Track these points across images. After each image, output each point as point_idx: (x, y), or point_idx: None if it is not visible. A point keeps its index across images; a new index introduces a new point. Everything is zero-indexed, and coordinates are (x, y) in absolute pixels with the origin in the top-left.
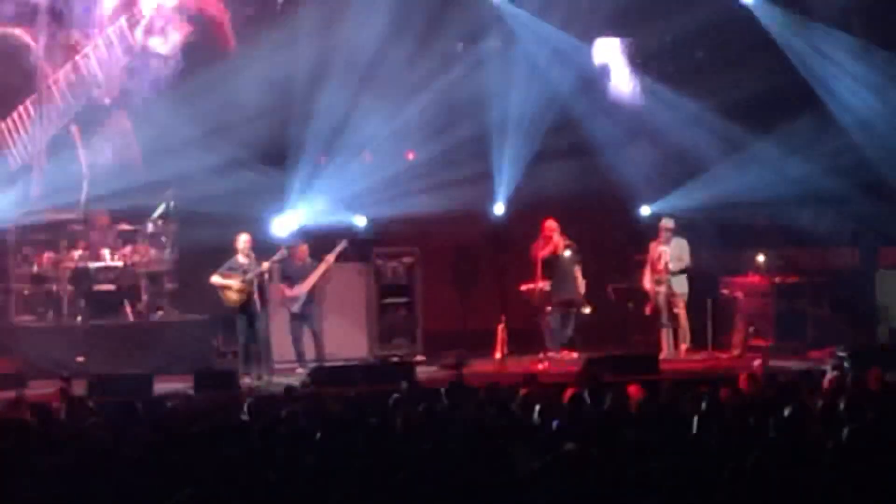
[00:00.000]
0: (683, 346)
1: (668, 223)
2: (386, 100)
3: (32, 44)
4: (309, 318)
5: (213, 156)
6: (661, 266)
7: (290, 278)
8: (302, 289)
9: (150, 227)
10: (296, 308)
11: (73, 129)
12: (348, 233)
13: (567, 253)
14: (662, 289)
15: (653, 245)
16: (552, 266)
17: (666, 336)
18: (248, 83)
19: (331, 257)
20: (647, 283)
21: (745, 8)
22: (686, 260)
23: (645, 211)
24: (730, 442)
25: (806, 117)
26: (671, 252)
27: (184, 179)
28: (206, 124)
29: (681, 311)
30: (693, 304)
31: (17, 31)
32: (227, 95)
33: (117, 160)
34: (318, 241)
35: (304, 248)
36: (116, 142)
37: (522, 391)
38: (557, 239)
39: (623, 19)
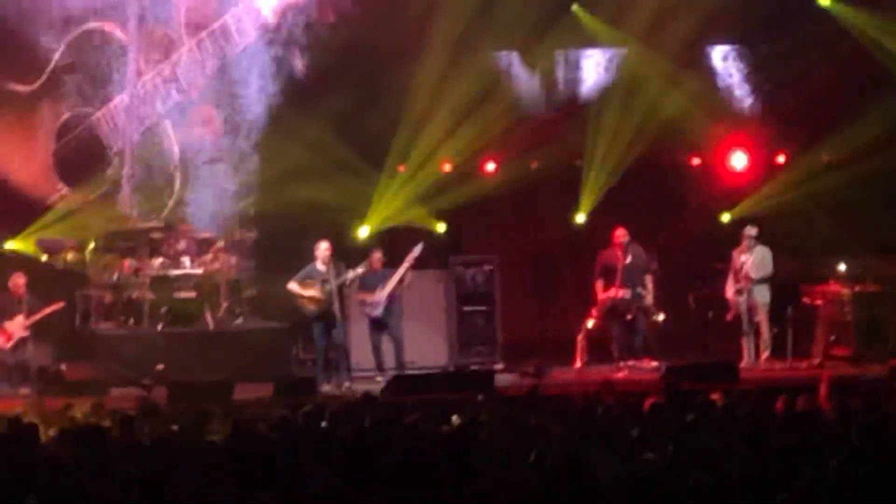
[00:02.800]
0: (764, 355)
1: (750, 231)
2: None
3: (123, 37)
4: (388, 325)
5: (300, 160)
6: (743, 274)
7: (368, 286)
8: (380, 295)
9: (230, 235)
10: (375, 314)
11: (166, 123)
12: (425, 238)
13: (628, 260)
14: (744, 297)
15: (735, 253)
16: (613, 274)
17: (746, 344)
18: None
19: (407, 262)
20: (730, 291)
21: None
22: (769, 268)
23: (725, 218)
24: (809, 451)
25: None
26: (754, 260)
27: (266, 184)
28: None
29: (762, 319)
30: (774, 313)
31: (106, 26)
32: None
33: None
34: (394, 246)
35: (379, 255)
36: (207, 139)
37: (602, 400)
38: (619, 246)
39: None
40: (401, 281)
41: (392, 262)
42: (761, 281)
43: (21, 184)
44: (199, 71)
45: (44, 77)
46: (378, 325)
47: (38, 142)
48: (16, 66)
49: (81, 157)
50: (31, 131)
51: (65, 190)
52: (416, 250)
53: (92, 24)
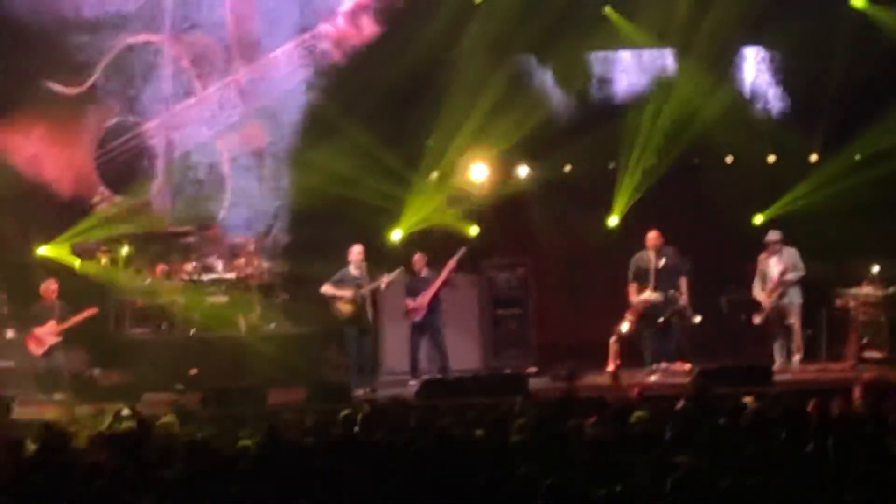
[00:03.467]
0: (797, 357)
1: (773, 236)
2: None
3: (169, 48)
4: (431, 329)
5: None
6: (775, 277)
7: (412, 290)
8: (424, 299)
9: (262, 239)
10: (419, 318)
11: (213, 135)
12: (464, 241)
13: (662, 263)
14: (775, 300)
15: (762, 257)
16: (646, 277)
17: (779, 347)
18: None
19: (451, 265)
20: (758, 294)
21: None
22: (801, 268)
23: (758, 220)
24: (842, 454)
25: None
26: (786, 262)
27: (299, 188)
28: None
29: (795, 321)
30: (806, 315)
31: (151, 37)
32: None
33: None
34: (435, 250)
35: (421, 259)
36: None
37: (633, 403)
38: (652, 249)
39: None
40: (445, 284)
41: (432, 265)
42: (795, 282)
43: (60, 186)
44: (261, 88)
45: (89, 81)
46: (420, 330)
47: (80, 146)
48: (61, 68)
49: (126, 165)
50: (75, 135)
51: (105, 194)
52: (460, 253)
53: (142, 37)
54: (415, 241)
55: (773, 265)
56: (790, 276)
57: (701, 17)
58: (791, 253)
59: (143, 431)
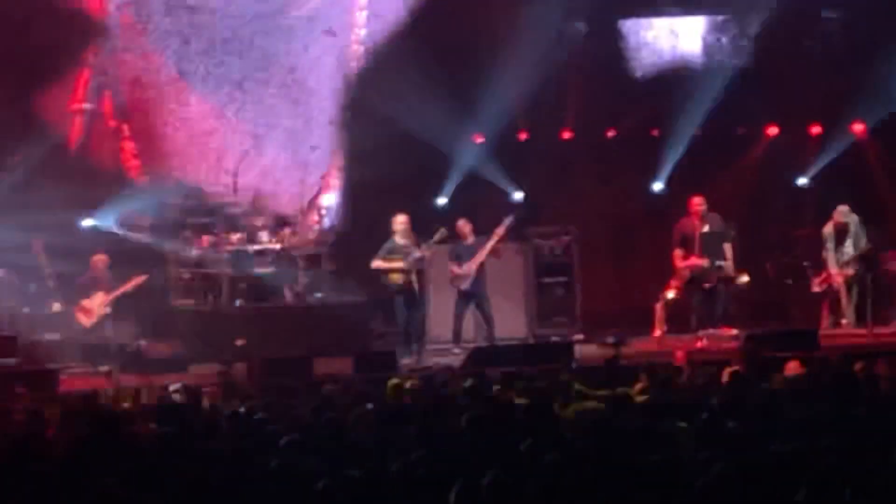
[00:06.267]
0: (844, 321)
1: (841, 215)
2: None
3: None
4: (478, 297)
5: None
6: (851, 251)
7: (459, 256)
8: (471, 266)
9: (308, 209)
10: (465, 286)
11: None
12: (512, 208)
13: (706, 228)
14: (850, 274)
15: (827, 230)
16: (691, 243)
17: (828, 311)
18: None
19: (500, 232)
20: (832, 265)
21: None
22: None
23: (801, 181)
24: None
25: None
26: (854, 231)
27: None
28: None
29: (842, 286)
30: (852, 280)
31: None
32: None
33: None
34: (482, 217)
35: (468, 226)
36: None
37: (682, 368)
38: (696, 215)
39: None
40: (492, 252)
41: (480, 231)
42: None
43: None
44: None
45: None
46: (466, 298)
47: None
48: None
49: None
50: None
51: None
52: (508, 221)
53: None
54: (462, 209)
55: (846, 240)
56: (865, 252)
57: None
58: (860, 225)
59: (192, 403)
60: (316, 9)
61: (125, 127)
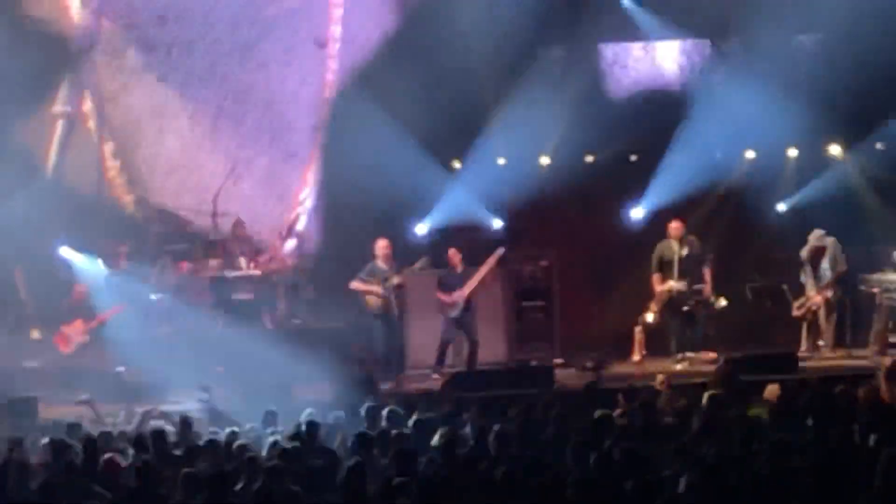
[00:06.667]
0: (822, 344)
1: (818, 240)
2: (525, 100)
3: None
4: (466, 325)
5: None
6: (829, 274)
7: (449, 285)
8: (460, 295)
9: (287, 235)
10: (454, 314)
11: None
12: (496, 238)
13: (684, 252)
14: (828, 295)
15: (805, 254)
16: (669, 267)
17: (806, 334)
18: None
19: (491, 262)
20: (811, 289)
21: None
22: (843, 261)
23: (781, 207)
24: (867, 440)
25: None
26: (837, 258)
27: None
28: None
29: (822, 309)
30: (832, 302)
31: None
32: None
33: None
34: (461, 243)
35: (458, 255)
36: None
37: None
38: (675, 238)
39: None
40: (482, 283)
41: (468, 261)
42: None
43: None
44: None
45: None
46: (455, 324)
47: None
48: None
49: None
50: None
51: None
52: (499, 253)
53: None
54: (443, 235)
55: (823, 262)
56: (840, 270)
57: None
58: (837, 247)
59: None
60: (291, 42)
61: (106, 148)
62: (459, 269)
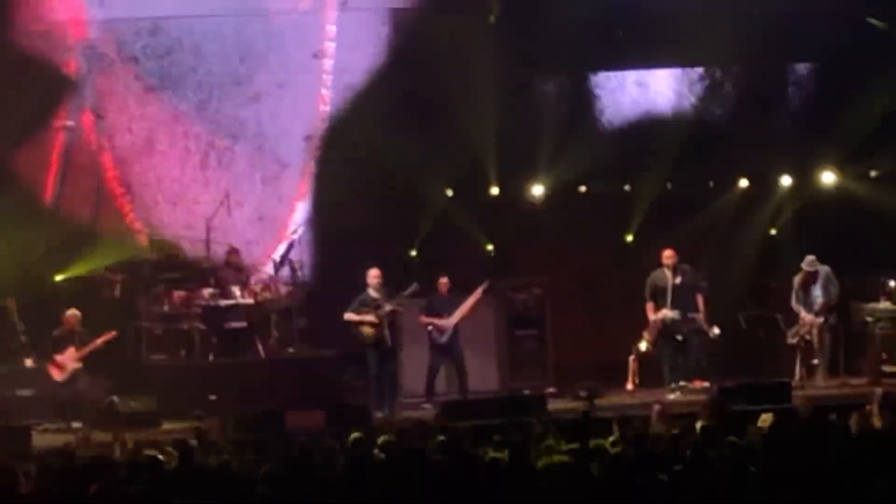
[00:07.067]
0: (820, 374)
1: (810, 265)
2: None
3: None
4: (453, 352)
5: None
6: (821, 300)
7: (436, 312)
8: (450, 321)
9: (280, 264)
10: (441, 341)
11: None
12: (486, 267)
13: (678, 280)
14: (822, 322)
15: (798, 280)
16: (663, 295)
17: (799, 363)
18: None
19: (477, 294)
20: (804, 315)
21: None
22: (837, 287)
23: (772, 231)
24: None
25: None
26: (829, 285)
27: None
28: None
29: (815, 336)
30: (824, 329)
31: None
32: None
33: None
34: (454, 271)
35: (445, 281)
36: None
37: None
38: (668, 267)
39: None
40: (470, 310)
41: (455, 288)
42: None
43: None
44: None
45: None
46: (442, 352)
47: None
48: None
49: None
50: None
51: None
52: (485, 285)
53: None
54: (434, 262)
55: (814, 289)
56: (834, 301)
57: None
58: (830, 275)
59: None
60: (284, 76)
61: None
62: (448, 295)
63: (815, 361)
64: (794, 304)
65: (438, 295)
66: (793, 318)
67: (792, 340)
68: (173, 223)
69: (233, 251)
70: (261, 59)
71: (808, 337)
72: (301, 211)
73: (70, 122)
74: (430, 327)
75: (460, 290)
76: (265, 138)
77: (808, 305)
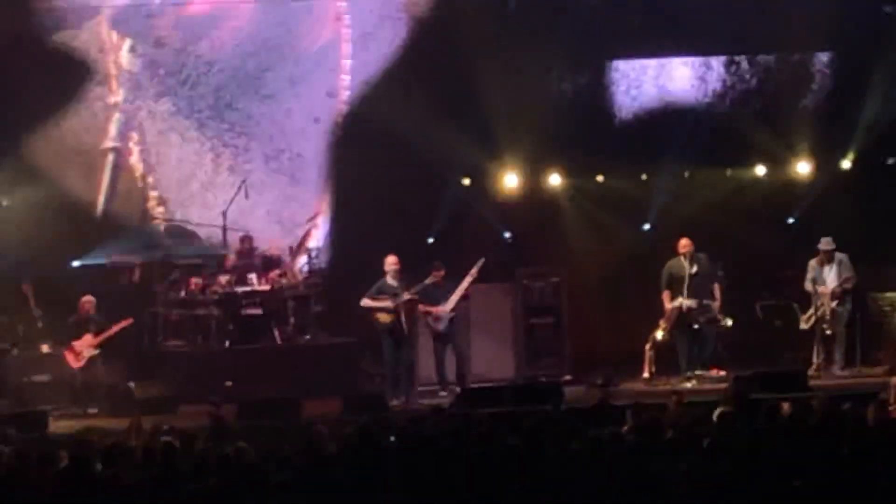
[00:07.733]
0: (838, 363)
1: (826, 244)
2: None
3: None
4: (453, 339)
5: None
6: (833, 284)
7: (431, 298)
8: (445, 308)
9: (297, 251)
10: (440, 328)
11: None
12: (492, 248)
13: (694, 269)
14: (835, 306)
15: (812, 263)
16: (679, 284)
17: (818, 352)
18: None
19: (470, 276)
20: (814, 299)
21: None
22: (854, 275)
23: (790, 220)
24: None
25: None
26: (844, 269)
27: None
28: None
29: (842, 328)
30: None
31: None
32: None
33: None
34: (454, 259)
35: (440, 267)
36: None
37: (671, 409)
38: (684, 256)
39: None
40: (465, 296)
41: (451, 274)
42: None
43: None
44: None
45: None
46: (443, 339)
47: None
48: None
49: None
50: None
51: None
52: (479, 264)
53: None
54: (448, 249)
55: (828, 272)
56: (849, 285)
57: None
58: (845, 261)
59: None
60: (299, 72)
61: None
62: (442, 282)
63: (838, 362)
64: (807, 285)
65: (434, 282)
66: (808, 304)
67: (805, 326)
68: (189, 208)
69: (249, 237)
70: (275, 50)
71: (824, 317)
72: (321, 197)
73: (114, 143)
74: (428, 317)
75: (483, 278)
76: (281, 127)
77: (821, 283)
